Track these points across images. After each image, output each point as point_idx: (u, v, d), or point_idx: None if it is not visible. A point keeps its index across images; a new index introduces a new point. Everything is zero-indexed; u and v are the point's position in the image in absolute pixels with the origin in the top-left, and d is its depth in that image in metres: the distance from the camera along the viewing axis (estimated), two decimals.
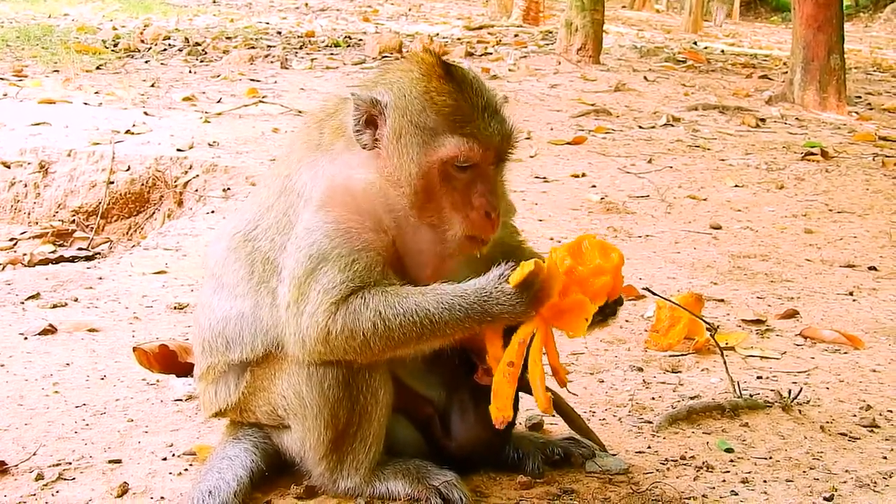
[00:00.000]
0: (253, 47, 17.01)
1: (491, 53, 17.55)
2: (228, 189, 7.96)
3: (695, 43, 23.28)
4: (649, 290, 4.48)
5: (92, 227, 8.16)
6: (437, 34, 20.65)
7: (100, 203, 8.24)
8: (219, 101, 11.55)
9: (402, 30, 21.93)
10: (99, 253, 7.68)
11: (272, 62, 15.22)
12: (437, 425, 3.37)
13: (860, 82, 16.89)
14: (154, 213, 8.28)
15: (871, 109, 13.96)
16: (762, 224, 7.60)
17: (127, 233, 8.25)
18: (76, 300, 5.43)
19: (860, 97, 14.95)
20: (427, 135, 3.00)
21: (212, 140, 9.23)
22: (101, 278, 5.88)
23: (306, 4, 29.19)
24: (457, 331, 2.97)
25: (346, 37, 19.62)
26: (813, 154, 10.01)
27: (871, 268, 6.52)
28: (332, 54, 16.81)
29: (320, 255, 3.00)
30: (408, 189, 3.02)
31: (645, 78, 15.33)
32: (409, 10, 29.84)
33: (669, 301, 4.66)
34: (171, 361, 4.37)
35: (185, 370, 4.31)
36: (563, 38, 16.53)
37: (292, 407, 3.16)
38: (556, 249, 2.98)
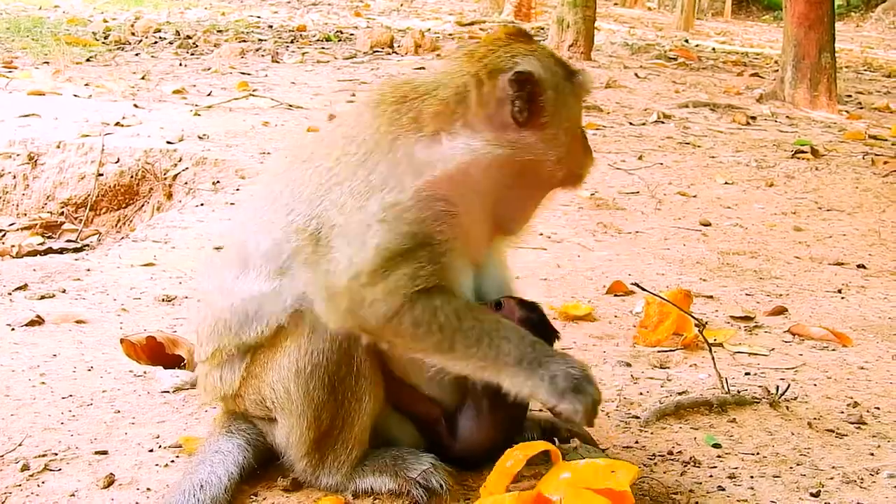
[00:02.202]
0: (244, 41, 16.99)
1: None
2: (218, 182, 7.93)
3: (686, 40, 23.33)
4: (638, 286, 4.49)
5: (81, 219, 8.13)
6: (429, 29, 20.62)
7: (89, 195, 8.22)
8: (209, 95, 11.52)
9: (394, 25, 21.92)
10: (87, 245, 7.65)
11: (263, 56, 15.20)
12: (443, 428, 3.33)
13: (851, 81, 16.94)
14: (143, 205, 8.26)
15: (861, 108, 14.00)
16: (751, 221, 7.61)
17: (116, 225, 8.23)
18: (64, 291, 5.40)
19: (851, 96, 15.00)
20: (571, 83, 3.21)
21: (202, 133, 9.19)
22: (89, 270, 5.85)
23: None
24: (503, 369, 2.96)
25: (337, 31, 19.60)
26: (803, 152, 10.03)
27: (860, 265, 6.54)
28: (323, 48, 16.78)
29: (424, 235, 2.94)
30: (566, 139, 3.17)
31: (636, 75, 15.34)
32: (401, 5, 29.81)
33: (658, 297, 4.66)
34: (158, 353, 4.35)
35: (172, 362, 4.30)
36: (555, 34, 16.52)
37: (280, 400, 3.15)
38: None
